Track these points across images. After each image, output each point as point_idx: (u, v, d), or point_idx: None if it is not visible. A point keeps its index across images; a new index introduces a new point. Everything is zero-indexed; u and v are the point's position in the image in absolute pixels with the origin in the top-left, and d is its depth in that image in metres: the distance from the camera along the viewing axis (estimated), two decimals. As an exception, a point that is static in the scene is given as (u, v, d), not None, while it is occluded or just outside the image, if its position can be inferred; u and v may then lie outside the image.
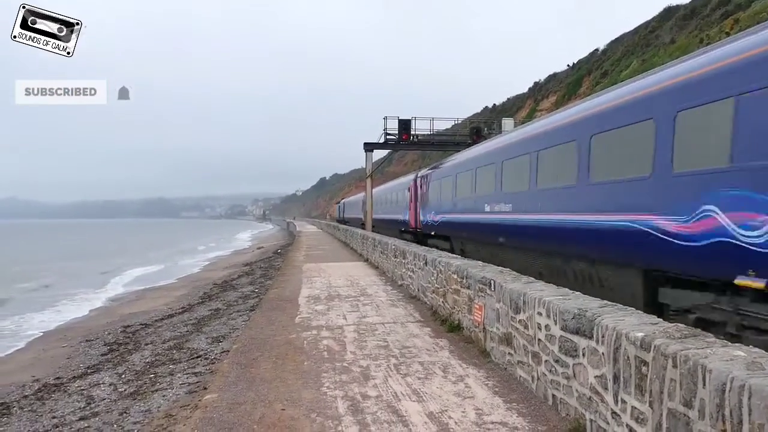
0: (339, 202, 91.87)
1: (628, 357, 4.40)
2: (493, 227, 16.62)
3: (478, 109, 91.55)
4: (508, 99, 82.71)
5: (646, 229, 9.07)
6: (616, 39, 58.95)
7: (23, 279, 35.90)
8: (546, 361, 6.03)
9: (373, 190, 40.89)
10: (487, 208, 17.12)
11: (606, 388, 4.76)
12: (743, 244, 7.12)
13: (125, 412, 8.12)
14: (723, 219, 7.48)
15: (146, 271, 42.15)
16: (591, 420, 5.05)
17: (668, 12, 49.15)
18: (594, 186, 11.05)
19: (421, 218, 27.20)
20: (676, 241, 8.41)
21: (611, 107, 10.74)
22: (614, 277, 10.49)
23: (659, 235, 8.74)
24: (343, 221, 65.30)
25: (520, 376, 6.76)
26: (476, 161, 19.20)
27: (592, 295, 6.46)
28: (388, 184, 42.89)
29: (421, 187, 28.00)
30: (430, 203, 25.65)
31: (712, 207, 7.70)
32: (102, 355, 13.58)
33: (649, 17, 53.23)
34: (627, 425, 4.40)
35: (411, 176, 32.16)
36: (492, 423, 5.50)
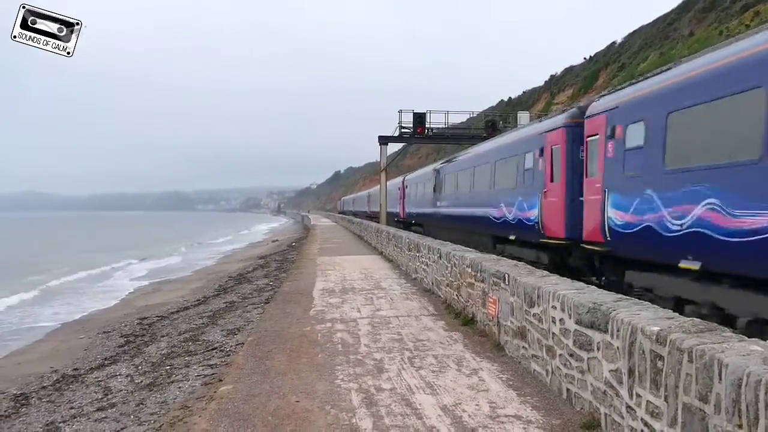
0: (340, 200, 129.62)
1: (643, 351, 4.37)
2: None
3: (494, 103, 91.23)
4: (523, 92, 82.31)
5: None
6: (634, 31, 58.39)
7: (37, 271, 36.28)
8: (560, 354, 6.01)
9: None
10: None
11: (621, 383, 4.73)
12: None
13: (142, 404, 8.22)
14: None
15: (162, 263, 42.54)
16: (605, 414, 5.03)
17: (687, 4, 48.57)
18: None
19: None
20: None
21: None
22: None
23: None
24: (343, 213, 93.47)
25: (534, 370, 6.75)
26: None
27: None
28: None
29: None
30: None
31: None
32: (119, 346, 13.72)
33: (667, 9, 52.66)
34: (642, 419, 4.38)
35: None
36: (506, 416, 5.50)
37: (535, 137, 15.71)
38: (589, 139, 12.61)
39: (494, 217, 18.26)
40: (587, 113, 12.96)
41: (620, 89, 12.13)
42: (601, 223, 11.54)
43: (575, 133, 13.48)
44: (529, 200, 15.51)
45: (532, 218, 15.33)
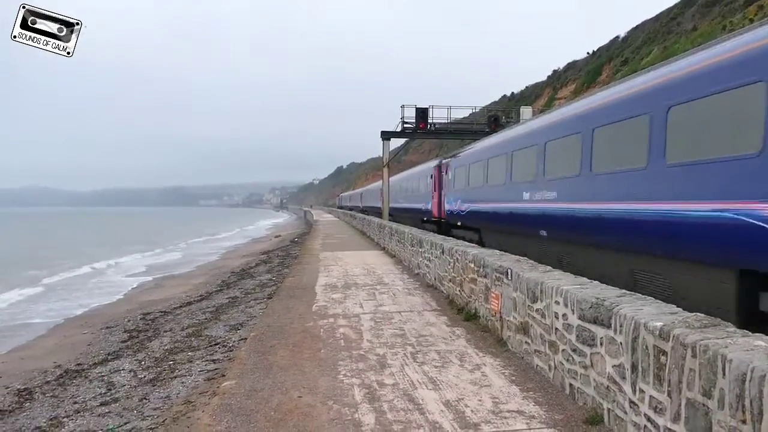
0: (338, 196, 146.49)
1: (646, 346, 4.37)
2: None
3: (496, 98, 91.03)
4: (526, 87, 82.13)
5: None
6: (637, 26, 58.17)
7: (40, 266, 36.34)
8: (563, 350, 6.00)
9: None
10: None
11: (624, 378, 4.73)
12: None
13: (145, 398, 8.24)
14: None
15: (165, 259, 42.61)
16: (608, 409, 5.03)
17: (690, -2, 48.36)
18: None
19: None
20: None
21: None
22: None
23: None
24: (341, 207, 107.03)
25: (537, 365, 6.74)
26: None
27: None
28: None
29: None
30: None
31: None
32: (122, 342, 13.75)
33: (671, 4, 52.42)
34: (645, 415, 4.37)
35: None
36: (509, 411, 5.50)
37: (430, 168, 29.66)
38: (442, 173, 26.15)
39: (419, 208, 31.78)
40: (444, 161, 26.69)
41: (454, 154, 25.30)
42: (445, 211, 25.06)
43: (441, 169, 26.67)
44: (429, 200, 29.01)
45: (429, 208, 28.74)
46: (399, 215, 37.98)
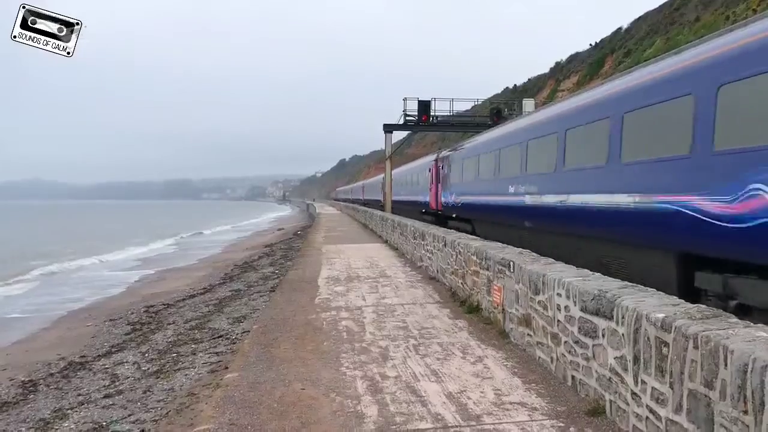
0: (334, 190, 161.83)
1: (648, 338, 4.37)
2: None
3: (499, 90, 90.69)
4: (529, 79, 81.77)
5: None
6: (640, 17, 57.87)
7: (42, 259, 36.40)
8: (565, 342, 6.01)
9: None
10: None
11: (626, 369, 4.74)
12: None
13: (149, 391, 8.28)
14: None
15: (167, 251, 42.68)
16: (611, 401, 5.04)
17: (694, -11, 48.06)
18: None
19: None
20: None
21: None
22: None
23: None
24: (337, 200, 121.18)
25: (539, 357, 6.76)
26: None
27: None
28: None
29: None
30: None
31: None
32: (126, 334, 13.79)
33: (674, -6, 52.09)
34: (647, 406, 4.39)
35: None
36: (511, 403, 5.51)
37: (379, 181, 47.00)
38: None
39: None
40: (384, 182, 42.43)
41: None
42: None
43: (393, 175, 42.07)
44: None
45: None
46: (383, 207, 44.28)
